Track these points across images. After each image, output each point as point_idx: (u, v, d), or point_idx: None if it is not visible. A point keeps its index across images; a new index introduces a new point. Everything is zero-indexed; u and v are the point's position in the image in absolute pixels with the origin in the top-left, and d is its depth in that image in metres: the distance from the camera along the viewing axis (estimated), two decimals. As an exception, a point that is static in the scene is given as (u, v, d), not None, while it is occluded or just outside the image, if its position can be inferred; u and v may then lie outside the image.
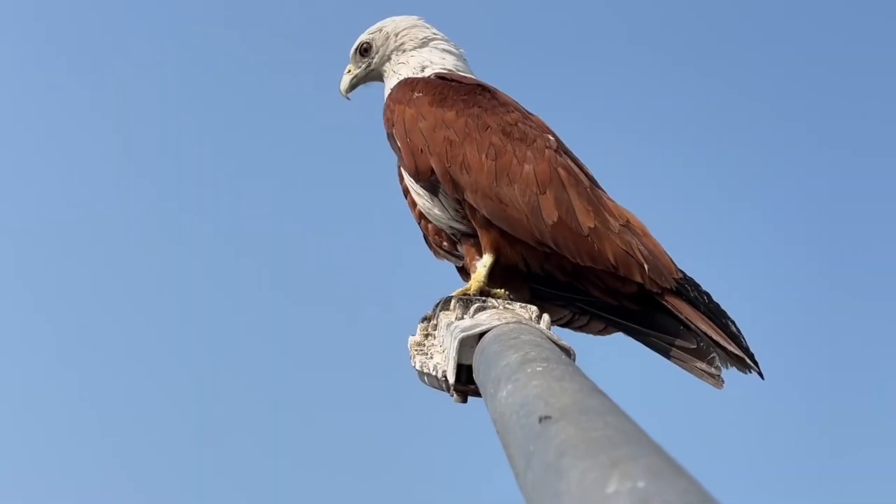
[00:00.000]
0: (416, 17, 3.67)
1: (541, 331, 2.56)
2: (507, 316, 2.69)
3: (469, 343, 2.61)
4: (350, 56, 3.67)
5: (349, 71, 3.69)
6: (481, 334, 2.59)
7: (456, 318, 2.86)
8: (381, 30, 3.65)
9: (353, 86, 3.70)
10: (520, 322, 2.58)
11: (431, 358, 2.90)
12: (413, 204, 3.49)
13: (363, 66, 3.65)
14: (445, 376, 2.73)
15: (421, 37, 3.61)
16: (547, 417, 1.56)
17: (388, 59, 3.61)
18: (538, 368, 1.88)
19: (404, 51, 3.59)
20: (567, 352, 2.57)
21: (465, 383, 2.66)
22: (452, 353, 2.62)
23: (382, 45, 3.62)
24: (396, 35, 3.61)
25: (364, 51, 3.64)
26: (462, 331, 2.64)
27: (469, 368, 2.62)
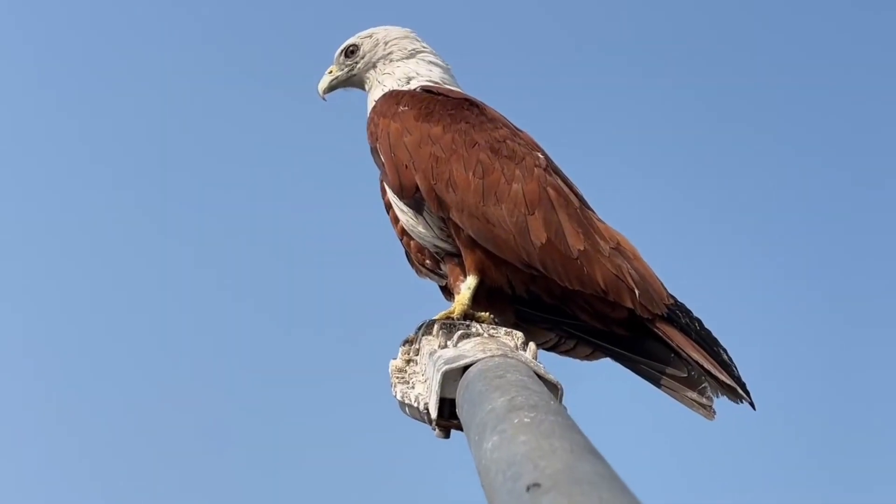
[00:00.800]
0: (408, 29, 3.58)
1: (527, 364, 2.45)
2: (491, 347, 2.57)
3: (452, 376, 2.50)
4: (335, 57, 3.57)
5: (331, 72, 3.58)
6: (465, 367, 2.48)
7: (439, 346, 2.75)
8: (371, 35, 3.55)
9: (332, 87, 3.59)
10: (505, 355, 2.46)
11: (413, 388, 2.79)
12: (395, 220, 3.38)
13: (346, 69, 3.55)
14: (427, 409, 2.62)
15: (410, 48, 3.51)
16: (536, 486, 1.45)
17: (374, 66, 3.50)
18: (526, 420, 1.77)
19: (391, 60, 3.48)
20: (555, 387, 2.47)
21: (447, 418, 2.55)
22: (435, 387, 2.51)
23: (370, 51, 3.51)
24: (386, 43, 3.51)
25: (350, 53, 3.54)
26: (445, 363, 2.53)
27: (452, 402, 2.51)
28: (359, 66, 3.52)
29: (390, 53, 3.49)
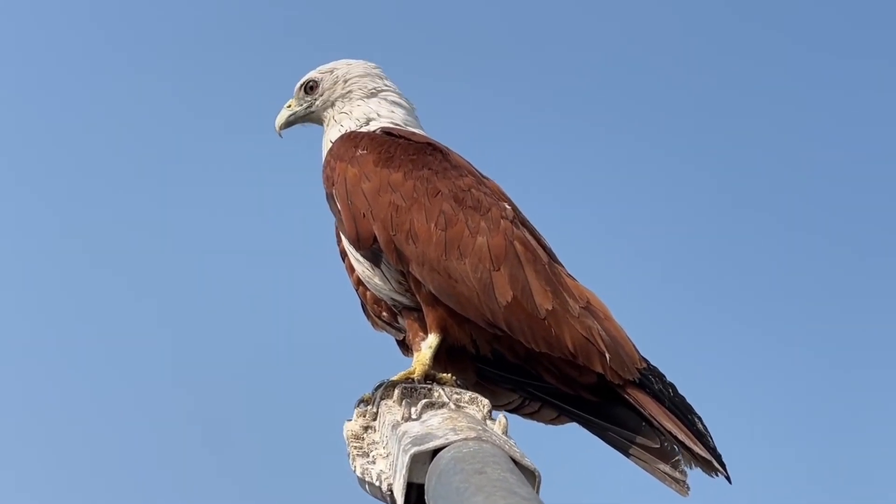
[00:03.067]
0: (372, 64, 3.39)
1: (502, 448, 2.27)
2: (462, 426, 2.38)
3: (421, 459, 2.30)
4: (294, 91, 3.39)
5: (289, 106, 3.40)
6: (435, 449, 2.29)
7: (402, 418, 2.55)
8: (332, 71, 3.37)
9: (289, 123, 3.41)
10: (479, 439, 2.27)
11: (374, 463, 2.59)
12: (351, 269, 3.18)
13: (304, 105, 3.36)
14: (391, 491, 2.42)
15: (371, 87, 3.32)
16: None
17: (332, 104, 3.31)
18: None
19: (350, 100, 3.29)
20: (532, 475, 2.28)
21: (414, 503, 2.35)
22: (402, 471, 2.31)
23: (329, 89, 3.32)
24: (346, 81, 3.32)
25: (310, 88, 3.36)
26: (413, 443, 2.33)
27: (420, 486, 2.32)
28: (317, 103, 3.34)
29: (350, 92, 3.30)
